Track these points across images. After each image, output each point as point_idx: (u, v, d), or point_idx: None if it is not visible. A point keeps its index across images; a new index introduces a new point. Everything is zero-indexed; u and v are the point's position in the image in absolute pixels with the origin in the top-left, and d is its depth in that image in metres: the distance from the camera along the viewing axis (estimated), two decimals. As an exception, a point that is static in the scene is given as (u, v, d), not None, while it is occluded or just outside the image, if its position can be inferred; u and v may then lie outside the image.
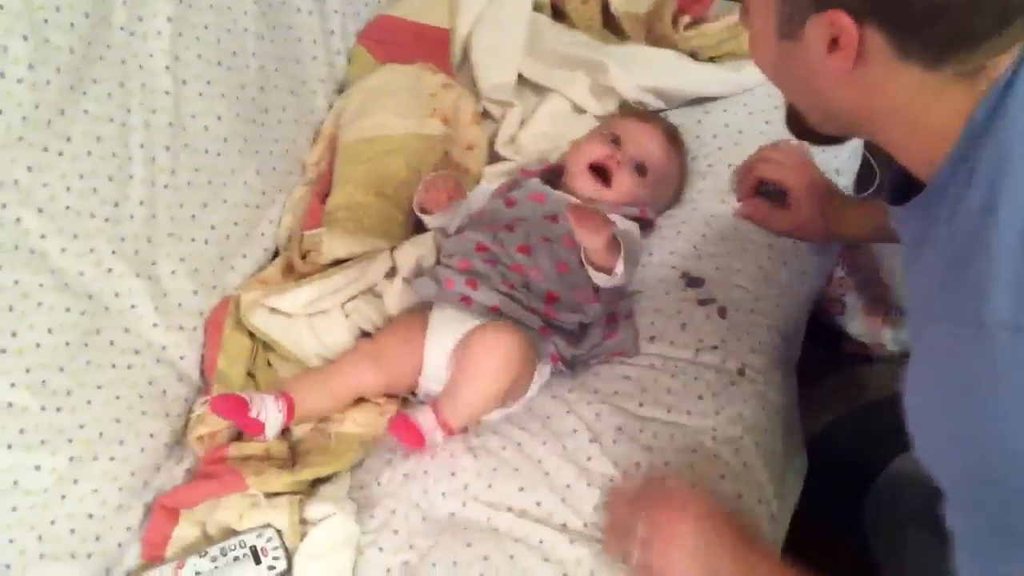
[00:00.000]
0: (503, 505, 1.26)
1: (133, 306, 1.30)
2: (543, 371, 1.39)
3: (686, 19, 1.80)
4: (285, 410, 1.31)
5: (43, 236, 1.19)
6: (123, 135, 1.29)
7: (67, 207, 1.21)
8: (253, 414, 1.27)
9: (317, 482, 1.32)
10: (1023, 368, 0.76)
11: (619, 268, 1.35)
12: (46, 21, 1.18)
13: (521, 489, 1.27)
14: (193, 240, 1.40)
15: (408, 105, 1.61)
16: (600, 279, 1.37)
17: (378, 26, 1.78)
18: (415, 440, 1.26)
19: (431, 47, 1.76)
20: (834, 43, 0.83)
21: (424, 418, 1.28)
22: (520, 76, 1.77)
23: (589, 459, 1.29)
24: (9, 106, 1.16)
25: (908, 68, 0.82)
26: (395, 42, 1.75)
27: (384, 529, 1.26)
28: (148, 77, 1.34)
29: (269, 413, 1.29)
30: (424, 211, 1.50)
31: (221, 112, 1.45)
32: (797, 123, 1.03)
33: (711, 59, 1.77)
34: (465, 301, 1.38)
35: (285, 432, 1.36)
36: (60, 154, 1.20)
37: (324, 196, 1.54)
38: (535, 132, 1.71)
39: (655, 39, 1.80)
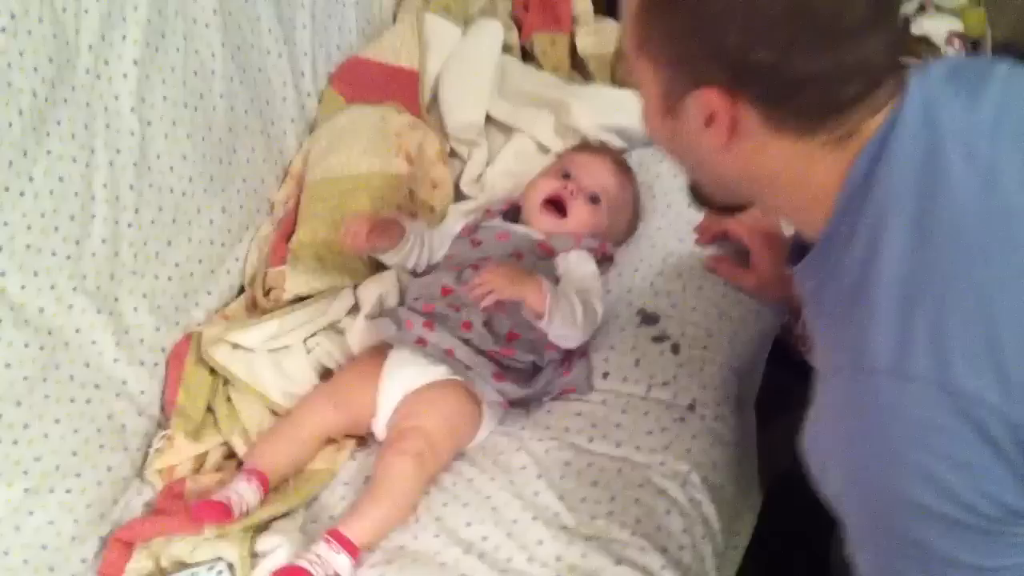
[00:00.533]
0: (451, 539, 1.28)
1: (93, 342, 1.33)
2: (492, 416, 1.42)
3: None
4: (259, 487, 1.31)
5: (2, 273, 1.22)
6: (86, 175, 1.32)
7: (27, 245, 1.24)
8: (236, 512, 1.27)
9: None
10: (903, 414, 0.78)
11: (548, 316, 1.36)
12: (9, 65, 1.21)
13: (468, 524, 1.30)
14: (156, 277, 1.43)
15: (373, 144, 1.64)
16: (541, 326, 1.38)
17: (348, 68, 1.82)
18: None
19: (400, 88, 1.80)
20: (710, 118, 0.86)
21: (319, 562, 1.22)
22: (488, 116, 1.81)
23: (536, 494, 1.32)
24: (-28, 148, 1.20)
25: (782, 138, 0.85)
26: (365, 83, 1.78)
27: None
28: (113, 118, 1.37)
29: (246, 498, 1.29)
30: (381, 253, 1.52)
31: (187, 152, 1.48)
32: (698, 192, 1.07)
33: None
34: (421, 343, 1.41)
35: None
36: (21, 194, 1.23)
37: (289, 234, 1.57)
38: (500, 170, 1.75)
39: (620, 79, 1.84)
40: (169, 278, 1.45)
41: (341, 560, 1.22)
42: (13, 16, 1.20)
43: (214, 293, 1.53)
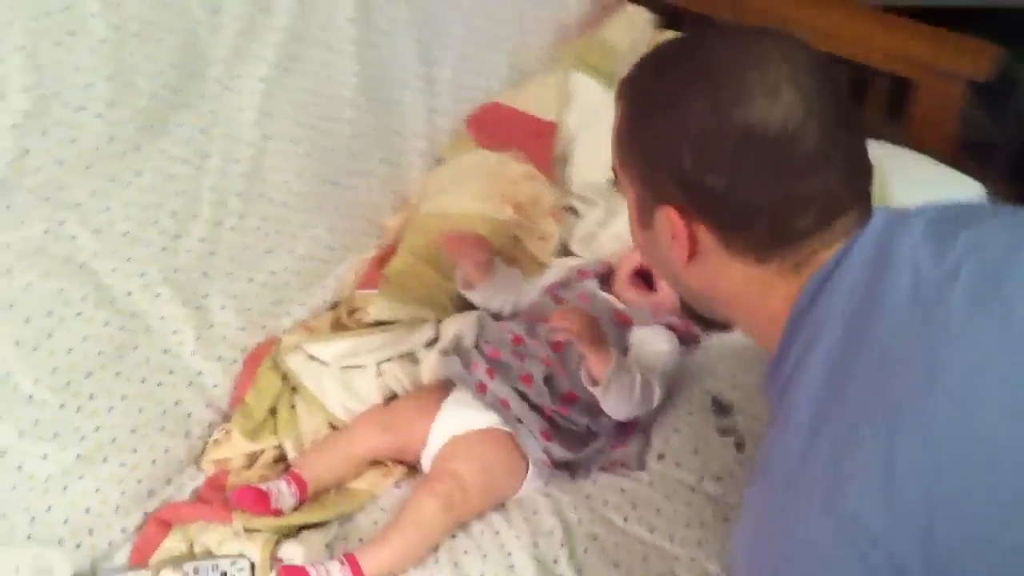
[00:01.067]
0: (463, 587, 1.28)
1: (175, 331, 1.41)
2: (538, 473, 1.40)
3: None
4: (297, 491, 1.36)
5: (95, 255, 1.32)
6: (196, 177, 1.42)
7: (124, 233, 1.35)
8: (274, 505, 1.32)
9: (307, 525, 1.38)
10: (790, 530, 0.78)
11: (605, 384, 1.33)
12: (133, 67, 1.33)
13: (482, 575, 1.29)
14: (250, 281, 1.50)
15: (485, 188, 1.67)
16: (594, 391, 1.36)
17: (485, 111, 1.86)
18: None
19: (534, 138, 1.82)
20: (673, 236, 0.90)
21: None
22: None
23: (555, 562, 1.29)
24: (85, 136, 1.31)
25: (737, 262, 0.89)
26: (499, 129, 1.82)
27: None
28: (233, 128, 1.47)
29: (283, 499, 1.34)
30: (467, 287, 1.55)
31: (303, 169, 1.56)
32: (688, 308, 1.09)
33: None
34: (480, 388, 1.42)
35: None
36: (127, 185, 1.34)
37: (385, 260, 1.62)
38: (612, 233, 1.74)
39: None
40: (263, 284, 1.52)
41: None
42: (146, 23, 1.31)
43: (307, 305, 1.58)
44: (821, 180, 0.84)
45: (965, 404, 0.77)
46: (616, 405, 1.37)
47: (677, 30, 2.11)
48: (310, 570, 1.23)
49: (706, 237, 0.89)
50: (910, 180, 1.77)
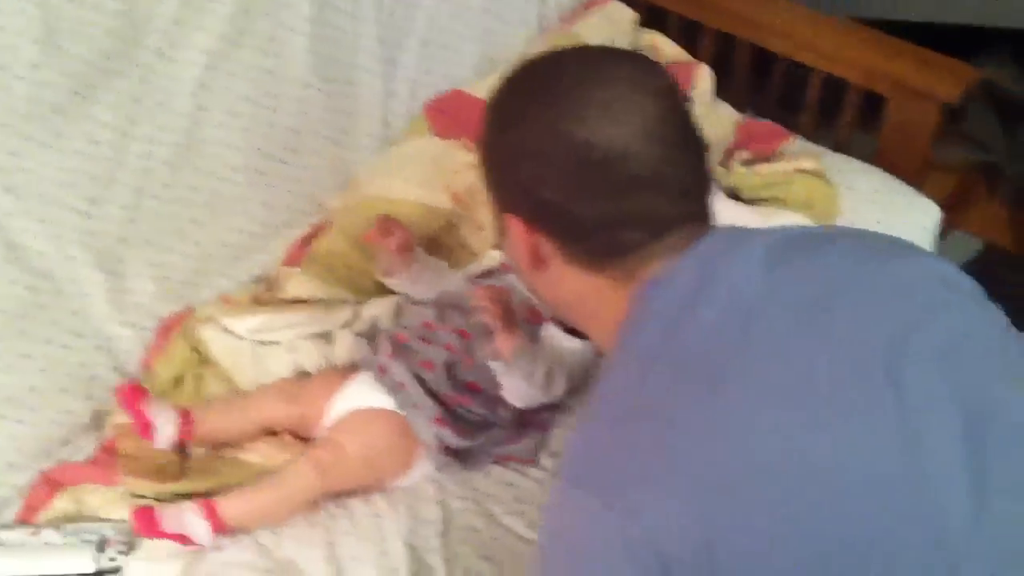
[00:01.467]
0: (333, 570, 1.28)
1: (87, 295, 1.43)
2: (429, 459, 1.40)
3: (744, 154, 1.75)
4: (179, 423, 1.38)
5: (8, 213, 1.34)
6: (122, 144, 1.43)
7: (41, 194, 1.37)
8: (146, 411, 1.35)
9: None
10: (568, 522, 0.80)
11: (511, 362, 1.34)
12: (63, 31, 1.35)
13: (354, 559, 1.29)
14: (171, 250, 1.52)
15: (426, 175, 1.67)
16: (496, 367, 1.36)
17: (447, 99, 1.84)
18: (148, 527, 1.27)
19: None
20: (518, 242, 0.93)
21: (176, 516, 1.28)
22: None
23: (428, 552, 1.30)
24: (4, 96, 1.33)
25: (576, 271, 0.92)
26: (457, 117, 1.81)
27: (221, 552, 1.30)
28: (168, 98, 1.48)
29: (160, 418, 1.36)
30: (387, 275, 1.55)
31: (239, 144, 1.56)
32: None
33: (752, 201, 1.70)
34: (381, 371, 1.43)
35: (185, 450, 1.43)
36: (47, 147, 1.36)
37: (315, 239, 1.62)
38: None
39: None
40: (186, 255, 1.54)
41: (199, 525, 1.26)
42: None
43: (232, 280, 1.59)
44: (651, 197, 0.88)
45: (750, 421, 0.77)
46: (516, 387, 1.37)
47: (661, 30, 2.08)
48: (160, 513, 1.26)
49: (548, 247, 0.92)
50: (863, 197, 1.73)
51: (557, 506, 0.83)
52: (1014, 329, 0.87)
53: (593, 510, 0.77)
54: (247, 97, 1.58)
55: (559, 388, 1.40)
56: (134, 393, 1.37)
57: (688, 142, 0.91)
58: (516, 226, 0.92)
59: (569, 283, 0.94)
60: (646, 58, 0.97)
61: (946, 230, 1.83)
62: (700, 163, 0.93)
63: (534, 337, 1.46)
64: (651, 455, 0.77)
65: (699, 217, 0.92)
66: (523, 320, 1.46)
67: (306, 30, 1.64)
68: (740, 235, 0.90)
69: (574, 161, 0.87)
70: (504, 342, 1.34)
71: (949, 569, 0.73)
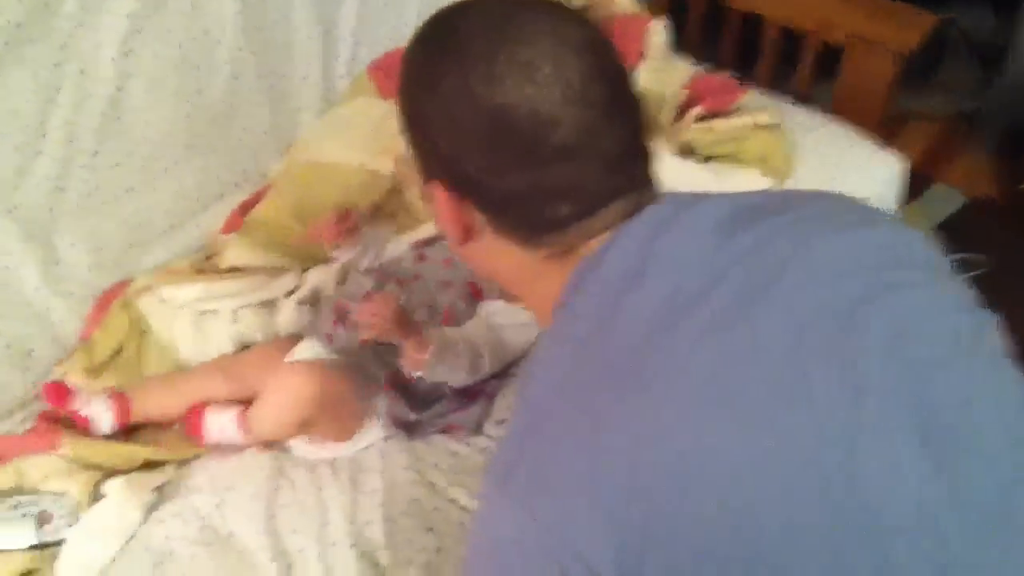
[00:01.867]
0: (272, 542, 1.26)
1: (18, 266, 1.40)
2: (377, 426, 1.37)
3: (698, 110, 1.71)
4: (115, 409, 1.35)
5: (-72, 188, 1.31)
6: (44, 112, 1.39)
7: (-39, 164, 1.33)
8: (74, 406, 1.33)
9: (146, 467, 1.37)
10: (492, 530, 0.75)
11: (429, 367, 1.28)
12: (-29, -2, 1.30)
13: (294, 531, 1.27)
14: (105, 219, 1.48)
15: (365, 139, 1.63)
16: (417, 376, 1.33)
17: (390, 58, 1.80)
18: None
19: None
20: (446, 213, 0.83)
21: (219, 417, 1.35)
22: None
23: (368, 523, 1.27)
24: (-83, 69, 1.29)
25: (508, 244, 0.83)
26: (402, 76, 1.76)
27: (162, 525, 1.29)
28: (90, 64, 1.43)
29: (94, 409, 1.34)
30: (334, 248, 1.50)
31: (169, 110, 1.52)
32: None
33: (708, 158, 1.67)
34: (328, 339, 1.40)
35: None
36: (-36, 117, 1.32)
37: (251, 206, 1.58)
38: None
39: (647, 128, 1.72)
40: (120, 223, 1.50)
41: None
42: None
43: (168, 249, 1.56)
44: (579, 168, 0.78)
45: (676, 424, 0.71)
46: (444, 379, 1.34)
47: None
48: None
49: (475, 216, 0.83)
50: (820, 150, 1.70)
51: (483, 516, 0.78)
52: (975, 305, 0.80)
53: (519, 521, 0.72)
54: (176, 62, 1.52)
55: (486, 364, 1.36)
56: (59, 393, 1.34)
57: (620, 104, 0.80)
58: (441, 194, 0.82)
59: (502, 257, 0.85)
60: (568, 8, 0.82)
61: (928, 183, 1.80)
62: (635, 127, 0.81)
63: (472, 314, 1.42)
64: (576, 462, 0.72)
65: (638, 186, 0.82)
66: (459, 298, 1.43)
67: (233, -9, 1.58)
68: (685, 206, 0.81)
69: (489, 129, 0.76)
70: (412, 359, 1.28)
71: (892, 567, 0.69)
